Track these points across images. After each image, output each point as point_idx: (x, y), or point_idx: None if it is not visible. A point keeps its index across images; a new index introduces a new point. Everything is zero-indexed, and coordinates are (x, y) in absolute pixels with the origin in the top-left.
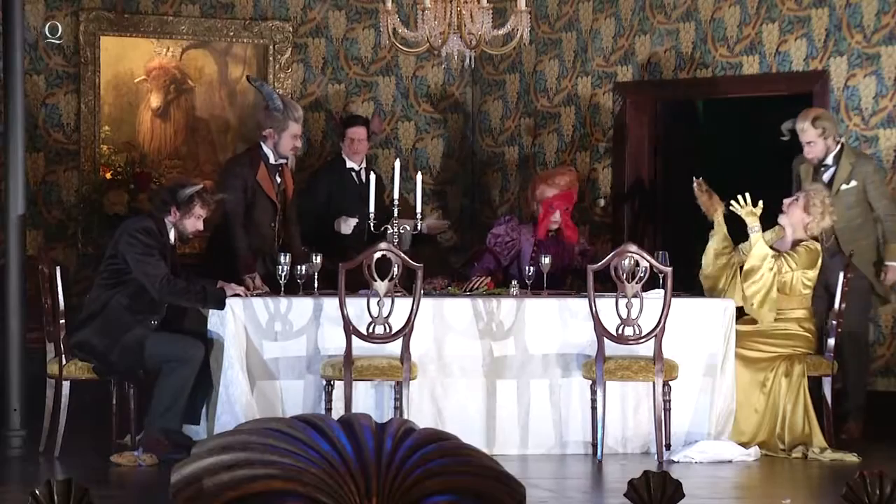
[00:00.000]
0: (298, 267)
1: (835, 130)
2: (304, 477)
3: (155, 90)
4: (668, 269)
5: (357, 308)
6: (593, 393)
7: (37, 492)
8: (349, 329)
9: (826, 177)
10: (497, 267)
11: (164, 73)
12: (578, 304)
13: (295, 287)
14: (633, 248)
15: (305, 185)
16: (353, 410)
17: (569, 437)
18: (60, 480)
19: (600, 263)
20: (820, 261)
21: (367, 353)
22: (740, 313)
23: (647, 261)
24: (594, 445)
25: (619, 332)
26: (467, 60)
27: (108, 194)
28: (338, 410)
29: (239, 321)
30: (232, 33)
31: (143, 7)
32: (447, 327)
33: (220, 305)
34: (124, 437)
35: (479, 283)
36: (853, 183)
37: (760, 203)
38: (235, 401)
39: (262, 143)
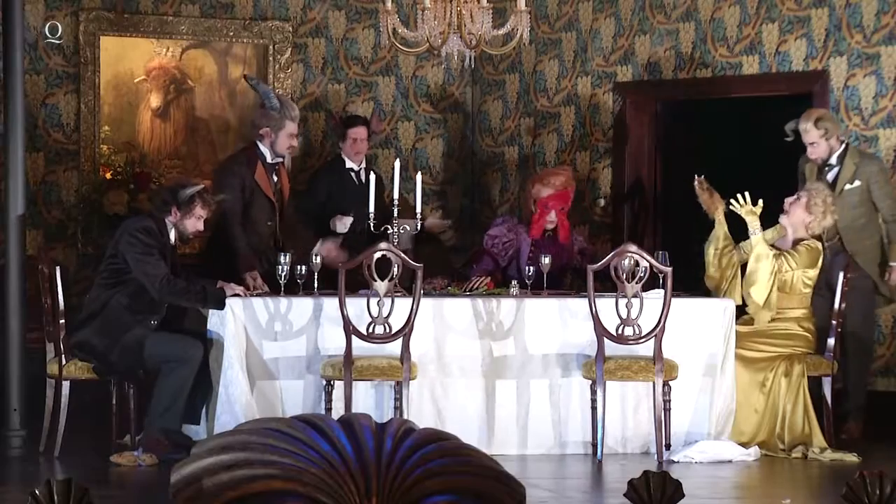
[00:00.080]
0: (298, 267)
1: (838, 131)
2: (304, 477)
3: (155, 90)
4: (668, 269)
5: (357, 308)
6: (593, 393)
7: (37, 492)
8: (349, 329)
9: (830, 176)
10: (495, 268)
11: (163, 73)
12: (578, 304)
13: (295, 287)
14: (633, 248)
15: (305, 186)
16: (353, 410)
17: (568, 437)
18: (60, 480)
19: (600, 263)
20: (821, 260)
21: (367, 353)
22: (739, 313)
23: (647, 261)
24: (594, 445)
25: (619, 332)
26: (467, 60)
27: (108, 194)
28: (338, 410)
29: (239, 321)
30: (232, 33)
31: (142, 7)
32: (447, 327)
33: (220, 305)
34: (124, 437)
35: (478, 283)
36: (857, 183)
37: (760, 202)
38: (235, 401)
39: (258, 142)
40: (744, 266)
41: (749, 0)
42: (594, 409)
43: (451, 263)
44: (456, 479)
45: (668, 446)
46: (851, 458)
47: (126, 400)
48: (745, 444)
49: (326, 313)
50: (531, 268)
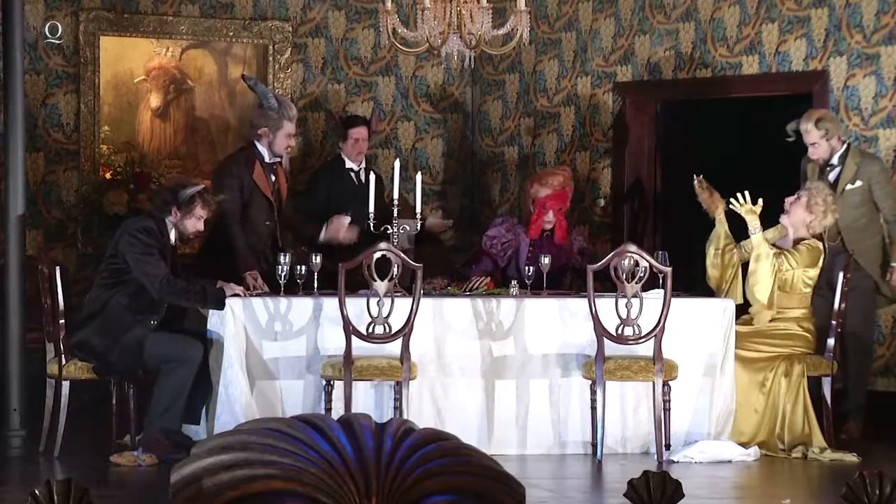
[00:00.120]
0: (298, 267)
1: (839, 131)
2: (304, 477)
3: (155, 90)
4: (668, 269)
5: (357, 308)
6: (593, 393)
7: (37, 492)
8: (349, 329)
9: (832, 177)
10: (494, 268)
11: (163, 73)
12: (578, 304)
13: (295, 287)
14: (633, 248)
15: (305, 186)
16: (353, 410)
17: (568, 437)
18: (60, 480)
19: (600, 263)
20: (822, 260)
21: (366, 353)
22: (739, 313)
23: (647, 261)
24: (594, 445)
25: (619, 332)
26: (467, 60)
27: (108, 194)
28: (337, 410)
29: (239, 321)
30: (232, 33)
31: (142, 7)
32: (447, 327)
33: (220, 305)
34: (124, 437)
35: (478, 283)
36: (858, 183)
37: (760, 201)
38: (235, 401)
39: (256, 142)
40: (744, 265)
41: (749, 0)
42: (594, 409)
43: (451, 263)
44: (456, 479)
45: (667, 446)
46: (851, 458)
47: (126, 400)
48: (744, 445)
49: (326, 313)
50: (531, 268)
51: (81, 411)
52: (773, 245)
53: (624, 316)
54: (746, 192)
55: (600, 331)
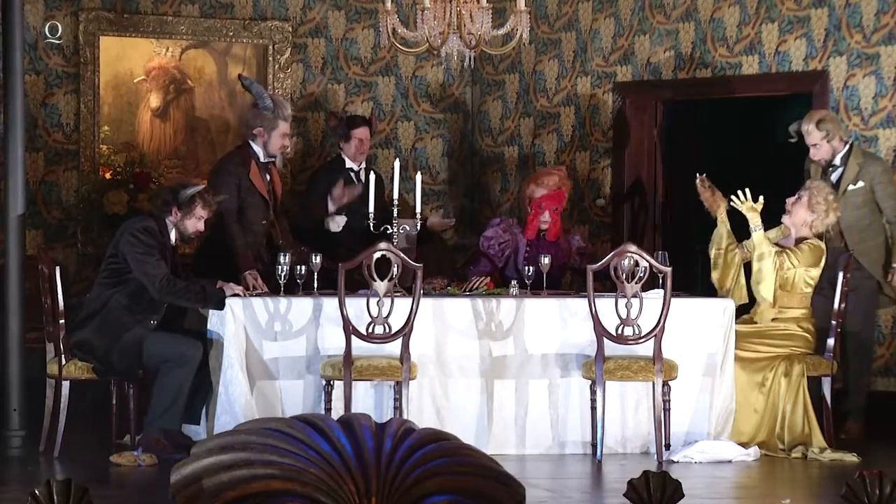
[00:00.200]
0: (298, 267)
1: (840, 132)
2: (304, 477)
3: (154, 90)
4: (668, 269)
5: (357, 308)
6: (593, 393)
7: (36, 492)
8: (349, 329)
9: (834, 177)
10: (493, 269)
11: (163, 74)
12: (578, 304)
13: (295, 287)
14: (633, 248)
15: (305, 186)
16: (353, 410)
17: (568, 437)
18: (60, 480)
19: (600, 263)
20: (824, 259)
21: (366, 353)
22: (740, 313)
23: (647, 261)
24: (594, 445)
25: (619, 332)
26: (467, 60)
27: (108, 194)
28: (337, 410)
29: (238, 321)
30: (231, 33)
31: (142, 7)
32: (447, 327)
33: (220, 306)
34: (124, 437)
35: (478, 282)
36: (860, 184)
37: (761, 199)
38: (235, 401)
39: (251, 142)
40: (747, 265)
41: (749, 0)
42: (594, 409)
43: (452, 263)
44: (456, 479)
45: (667, 446)
46: (851, 458)
47: (126, 400)
48: (744, 445)
49: (326, 313)
50: (530, 268)
51: (81, 411)
52: (776, 244)
53: (624, 316)
54: (748, 190)
55: (600, 331)
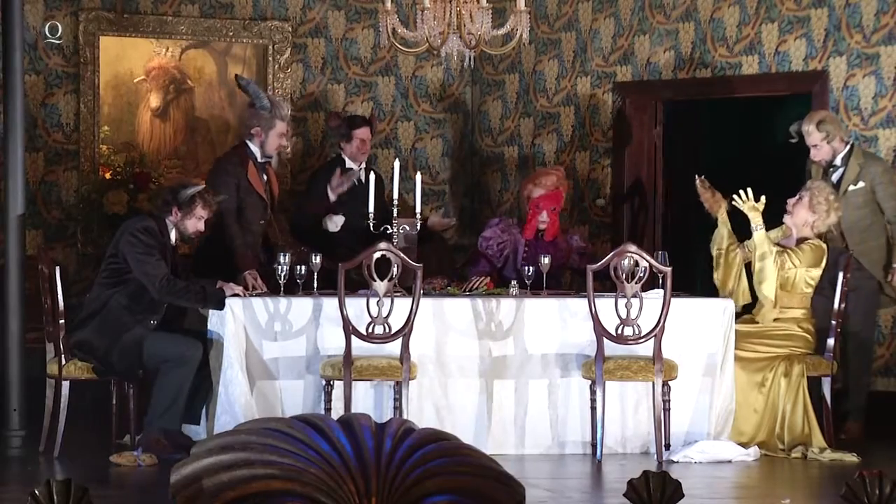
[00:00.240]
0: (298, 267)
1: (840, 133)
2: (304, 477)
3: (154, 90)
4: (668, 269)
5: (356, 308)
6: (593, 393)
7: (36, 492)
8: (349, 329)
9: (835, 178)
10: (491, 269)
11: (163, 74)
12: (578, 304)
13: (294, 287)
14: (633, 248)
15: (305, 186)
16: (353, 410)
17: (568, 437)
18: (60, 480)
19: (600, 263)
20: (825, 260)
21: (366, 353)
22: (742, 312)
23: (647, 261)
24: (593, 445)
25: (619, 332)
26: (467, 60)
27: (108, 194)
28: (337, 410)
29: (238, 321)
30: (231, 33)
31: (142, 7)
32: (447, 327)
33: (220, 306)
34: (124, 437)
35: (478, 282)
36: (861, 184)
37: (763, 198)
38: (235, 401)
39: (248, 142)
40: (748, 265)
41: (748, 0)
42: (594, 409)
43: (453, 263)
44: (455, 479)
45: (667, 446)
46: (851, 458)
47: (126, 400)
48: (744, 445)
49: (326, 313)
50: (530, 268)
51: (81, 411)
52: (777, 244)
53: (624, 316)
54: (749, 190)
55: (600, 331)
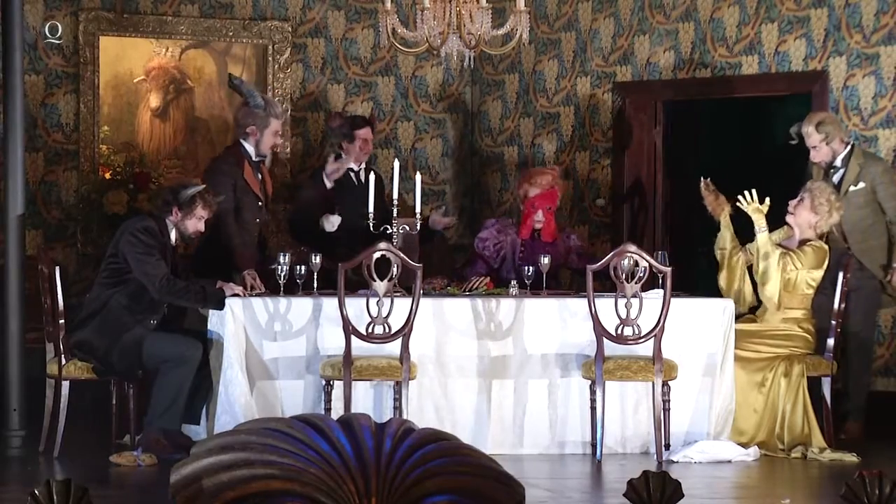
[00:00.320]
0: (298, 267)
1: (840, 134)
2: (304, 477)
3: (154, 90)
4: (668, 269)
5: (356, 308)
6: (592, 393)
7: (36, 492)
8: (348, 329)
9: (835, 178)
10: (489, 270)
11: (163, 74)
12: (578, 304)
13: (294, 287)
14: (633, 248)
15: (304, 186)
16: (353, 410)
17: (568, 437)
18: (60, 480)
19: (600, 263)
20: (827, 261)
21: (366, 353)
22: (742, 313)
23: (647, 261)
24: (593, 445)
25: (619, 332)
26: (467, 60)
27: (108, 194)
28: (337, 410)
29: (238, 321)
30: (231, 33)
31: (142, 7)
32: (447, 327)
33: (220, 306)
34: (124, 437)
35: (478, 282)
36: (861, 184)
37: (767, 200)
38: (235, 401)
39: (242, 141)
40: (750, 267)
41: (748, 0)
42: (593, 409)
43: (453, 263)
44: (455, 479)
45: (667, 446)
46: (851, 458)
47: (126, 400)
48: (744, 445)
49: (326, 313)
50: (530, 268)
51: (81, 411)
52: (779, 245)
53: (623, 316)
54: (753, 191)
55: (600, 331)
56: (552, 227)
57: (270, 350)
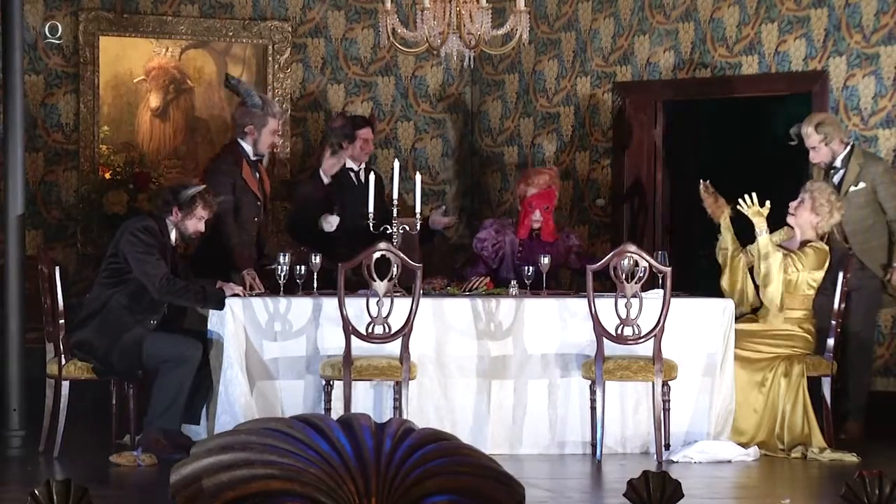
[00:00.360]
0: (298, 267)
1: (839, 135)
2: (304, 477)
3: (154, 90)
4: (668, 269)
5: (356, 308)
6: (592, 393)
7: (36, 492)
8: (348, 329)
9: (836, 179)
10: (489, 270)
11: (163, 74)
12: (577, 304)
13: (294, 287)
14: (633, 248)
15: (294, 199)
16: (353, 410)
17: (568, 437)
18: (60, 480)
19: (600, 263)
20: (828, 262)
21: (366, 353)
22: (741, 313)
23: (647, 261)
24: (593, 445)
25: (619, 332)
26: (466, 60)
27: (108, 194)
28: (337, 410)
29: (238, 321)
30: (231, 33)
31: (142, 7)
32: (447, 327)
33: (220, 306)
34: (124, 437)
35: (478, 282)
36: (861, 184)
37: (768, 203)
38: (235, 401)
39: (240, 141)
40: (751, 268)
41: (748, 0)
42: (593, 409)
43: (452, 263)
44: (455, 479)
45: (667, 446)
46: (851, 458)
47: (126, 400)
48: (744, 445)
49: (326, 313)
50: (530, 268)
51: (81, 411)
52: (780, 246)
53: (623, 316)
54: (754, 195)
55: (600, 331)
56: (551, 227)
57: (270, 350)
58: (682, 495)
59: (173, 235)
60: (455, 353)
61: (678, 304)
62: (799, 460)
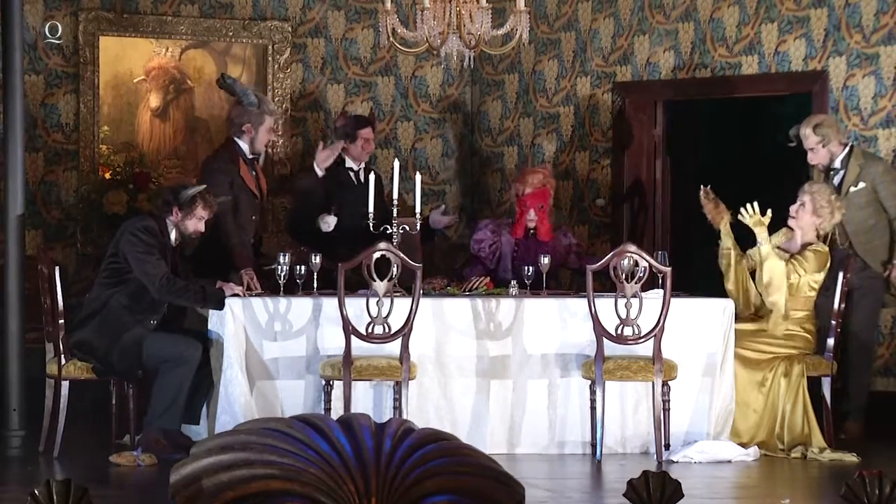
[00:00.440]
0: (297, 267)
1: (838, 136)
2: (303, 477)
3: (154, 90)
4: (668, 269)
5: (356, 308)
6: (592, 393)
7: (36, 492)
8: (348, 329)
9: (836, 180)
10: (487, 271)
11: (163, 74)
12: (577, 304)
13: (294, 287)
14: (633, 248)
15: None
16: (353, 410)
17: (568, 437)
18: (60, 480)
19: (599, 263)
20: (828, 263)
21: (366, 353)
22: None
23: (647, 261)
24: (593, 445)
25: (619, 332)
26: (466, 60)
27: (108, 194)
28: (337, 410)
29: (238, 321)
30: (231, 33)
31: (142, 7)
32: (446, 327)
33: (220, 305)
34: (124, 437)
35: (478, 282)
36: (861, 185)
37: (769, 212)
38: (235, 401)
39: (236, 139)
40: (752, 272)
41: (748, 0)
42: (593, 409)
43: (452, 263)
44: (455, 479)
45: (667, 446)
46: (851, 458)
47: (126, 400)
48: (744, 445)
49: (326, 313)
50: (530, 267)
51: (81, 411)
52: (779, 247)
53: (623, 316)
54: (755, 203)
55: (600, 331)
56: (547, 226)
57: (270, 350)
58: (682, 495)
59: (173, 235)
60: (455, 353)
61: (678, 304)
62: (799, 460)
